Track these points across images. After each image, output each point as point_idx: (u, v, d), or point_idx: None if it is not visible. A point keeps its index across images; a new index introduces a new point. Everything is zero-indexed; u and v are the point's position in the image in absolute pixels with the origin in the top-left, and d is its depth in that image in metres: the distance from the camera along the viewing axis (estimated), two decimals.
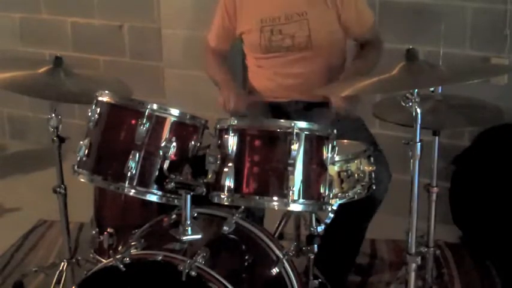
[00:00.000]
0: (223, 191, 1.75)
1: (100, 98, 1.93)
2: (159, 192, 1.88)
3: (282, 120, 1.77)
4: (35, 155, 4.07)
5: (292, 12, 2.42)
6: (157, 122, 1.87)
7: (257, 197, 1.75)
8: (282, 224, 2.48)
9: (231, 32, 2.57)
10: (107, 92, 1.93)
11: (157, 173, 1.87)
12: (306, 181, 1.75)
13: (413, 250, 1.90)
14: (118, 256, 1.67)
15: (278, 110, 2.50)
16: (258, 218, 2.30)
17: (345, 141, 2.12)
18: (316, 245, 1.99)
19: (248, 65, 2.65)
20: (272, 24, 2.44)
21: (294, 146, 1.72)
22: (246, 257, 1.87)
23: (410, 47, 1.87)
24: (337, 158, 1.87)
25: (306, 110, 2.49)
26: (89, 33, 4.02)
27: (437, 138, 2.21)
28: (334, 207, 1.93)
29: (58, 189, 2.29)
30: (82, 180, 1.92)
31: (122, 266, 1.64)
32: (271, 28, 2.44)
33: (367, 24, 2.50)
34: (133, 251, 1.73)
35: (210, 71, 2.60)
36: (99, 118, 1.91)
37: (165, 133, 1.88)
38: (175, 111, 1.90)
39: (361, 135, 2.35)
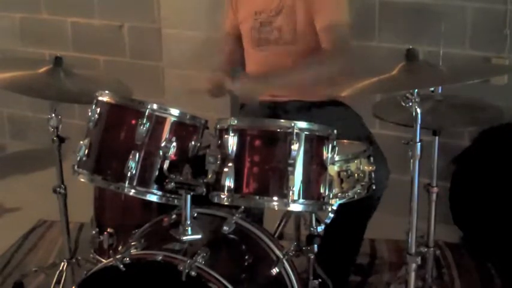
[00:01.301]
0: (223, 191, 1.75)
1: (100, 98, 1.93)
2: (159, 192, 1.88)
3: (282, 120, 1.77)
4: (35, 155, 4.07)
5: (283, 4, 2.44)
6: (157, 122, 1.87)
7: (257, 197, 1.75)
8: (282, 224, 2.48)
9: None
10: (107, 92, 1.93)
11: (157, 173, 1.87)
12: (306, 181, 1.75)
13: (413, 250, 1.90)
14: (118, 256, 1.67)
15: (276, 109, 2.50)
16: (258, 218, 2.30)
17: (345, 141, 2.12)
18: (316, 245, 1.99)
19: (246, 62, 2.66)
20: (265, 16, 2.48)
21: (294, 146, 1.71)
22: (246, 257, 1.87)
23: (410, 47, 1.87)
24: (337, 158, 1.87)
25: (305, 109, 2.50)
26: (89, 33, 4.02)
27: (437, 138, 2.22)
28: (334, 207, 1.92)
29: (58, 189, 2.29)
30: (82, 180, 1.91)
31: (121, 266, 1.64)
32: (261, 20, 2.49)
33: (324, 19, 2.36)
34: (133, 251, 1.73)
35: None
36: (99, 118, 1.91)
37: (165, 133, 1.88)
38: (175, 111, 1.89)
39: (356, 129, 2.37)
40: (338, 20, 2.38)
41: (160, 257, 1.66)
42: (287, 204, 1.73)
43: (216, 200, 1.78)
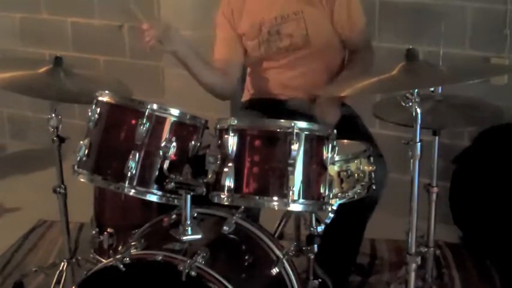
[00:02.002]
0: (223, 191, 1.75)
1: (100, 98, 1.92)
2: (159, 192, 1.88)
3: (282, 120, 1.76)
4: (35, 155, 4.07)
5: (288, 12, 2.44)
6: (157, 122, 1.87)
7: (257, 197, 1.75)
8: (282, 224, 2.48)
9: (238, 39, 2.56)
10: (107, 92, 1.93)
11: (157, 173, 1.87)
12: (306, 181, 1.75)
13: (413, 250, 1.90)
14: (118, 256, 1.67)
15: (279, 108, 2.50)
16: (254, 217, 2.30)
17: (345, 141, 2.12)
18: (316, 245, 1.99)
19: (250, 71, 2.66)
20: (270, 25, 2.46)
21: (294, 146, 1.71)
22: (246, 257, 1.87)
23: (410, 47, 1.87)
24: (337, 158, 1.87)
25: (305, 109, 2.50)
26: (89, 33, 4.02)
27: (437, 138, 2.22)
28: (334, 207, 1.92)
29: (58, 189, 2.29)
30: (82, 180, 1.91)
31: (121, 266, 1.64)
32: (268, 30, 2.46)
33: (357, 27, 2.49)
34: (133, 251, 1.73)
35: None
36: (99, 118, 1.91)
37: (165, 133, 1.87)
38: (175, 111, 1.89)
39: (356, 129, 2.38)
40: (363, 25, 2.52)
41: (160, 257, 1.66)
42: (287, 204, 1.73)
43: (216, 200, 1.78)
